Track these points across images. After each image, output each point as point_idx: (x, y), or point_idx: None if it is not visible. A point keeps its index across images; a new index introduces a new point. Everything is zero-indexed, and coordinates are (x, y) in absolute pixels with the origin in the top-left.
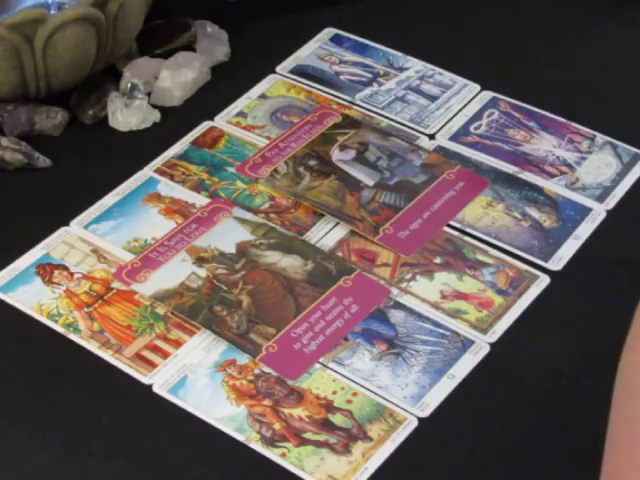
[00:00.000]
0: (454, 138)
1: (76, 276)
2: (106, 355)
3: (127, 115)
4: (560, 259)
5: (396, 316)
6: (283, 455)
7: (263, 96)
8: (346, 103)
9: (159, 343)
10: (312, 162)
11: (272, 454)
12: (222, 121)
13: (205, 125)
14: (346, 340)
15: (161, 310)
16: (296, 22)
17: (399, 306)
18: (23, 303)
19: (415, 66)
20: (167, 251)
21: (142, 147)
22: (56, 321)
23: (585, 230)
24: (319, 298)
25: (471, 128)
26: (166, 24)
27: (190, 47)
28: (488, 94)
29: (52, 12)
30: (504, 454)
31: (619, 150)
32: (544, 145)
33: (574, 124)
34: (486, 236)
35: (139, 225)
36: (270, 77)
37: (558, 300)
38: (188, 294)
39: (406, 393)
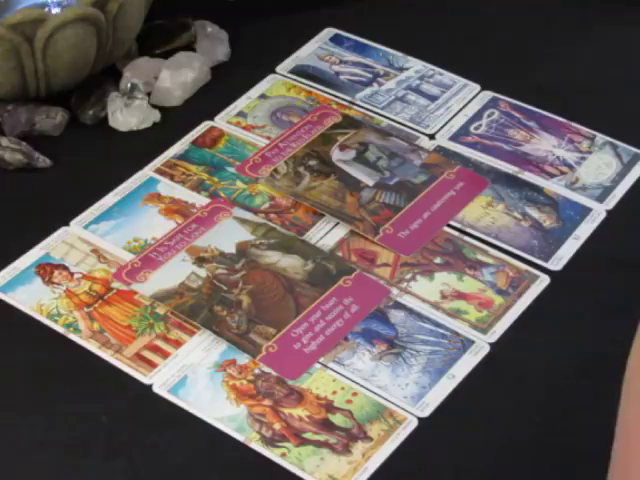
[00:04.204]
0: (454, 138)
1: (76, 276)
2: (106, 355)
3: (127, 115)
4: (560, 259)
5: (396, 316)
6: (283, 455)
7: (263, 96)
8: (346, 103)
9: (159, 343)
10: (312, 162)
11: (272, 454)
12: (222, 121)
13: (205, 125)
14: (346, 340)
15: (161, 310)
16: (296, 22)
17: (399, 306)
18: (23, 303)
19: (415, 66)
20: (167, 251)
21: (142, 147)
22: (56, 321)
23: (585, 230)
24: (319, 298)
25: (471, 128)
26: (166, 24)
27: (190, 47)
28: (488, 94)
29: (52, 12)
30: (504, 454)
31: (619, 150)
32: (544, 145)
33: (574, 124)
34: (486, 236)
35: (139, 225)
36: (270, 77)
37: (558, 300)
38: (188, 294)
39: (406, 393)
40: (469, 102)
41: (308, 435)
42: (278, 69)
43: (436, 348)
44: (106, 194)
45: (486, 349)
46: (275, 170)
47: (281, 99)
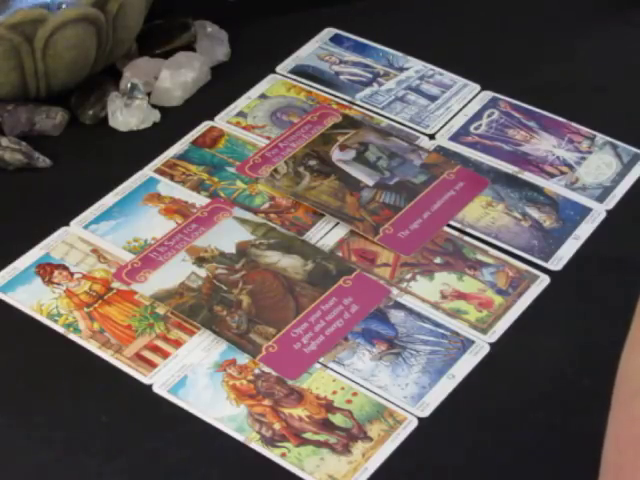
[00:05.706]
0: (454, 138)
1: (76, 276)
2: (106, 355)
3: (127, 115)
4: (560, 259)
5: (396, 316)
6: (283, 455)
7: (263, 96)
8: (346, 103)
9: (159, 343)
10: (312, 162)
11: (272, 454)
12: (222, 121)
13: (205, 125)
14: (346, 340)
15: (161, 310)
16: (296, 22)
17: (399, 306)
18: (23, 303)
19: (415, 66)
20: (167, 251)
21: (142, 147)
22: (56, 321)
23: (585, 230)
24: (319, 298)
25: (471, 128)
26: (166, 24)
27: (190, 47)
28: (488, 94)
29: (52, 12)
30: (504, 454)
31: (619, 150)
32: (544, 145)
33: (574, 124)
34: (486, 236)
35: (139, 225)
36: (270, 77)
37: (558, 300)
38: (188, 294)
39: (406, 393)
40: (469, 102)
41: (308, 435)
42: (278, 69)
43: (436, 348)
44: (106, 194)
45: (486, 349)
46: (275, 170)
47: (281, 99)
